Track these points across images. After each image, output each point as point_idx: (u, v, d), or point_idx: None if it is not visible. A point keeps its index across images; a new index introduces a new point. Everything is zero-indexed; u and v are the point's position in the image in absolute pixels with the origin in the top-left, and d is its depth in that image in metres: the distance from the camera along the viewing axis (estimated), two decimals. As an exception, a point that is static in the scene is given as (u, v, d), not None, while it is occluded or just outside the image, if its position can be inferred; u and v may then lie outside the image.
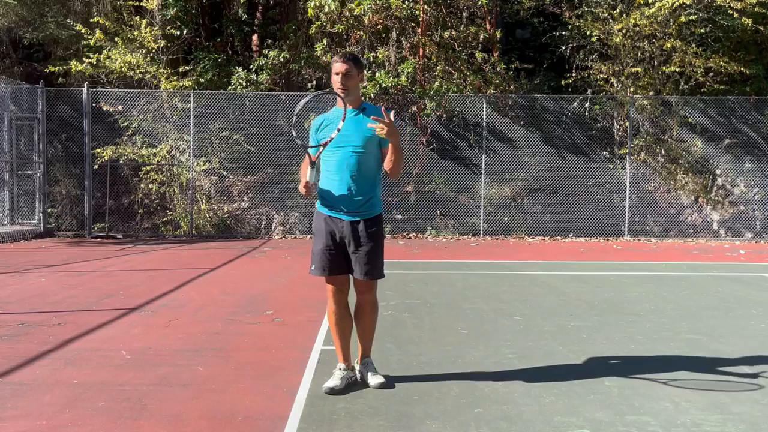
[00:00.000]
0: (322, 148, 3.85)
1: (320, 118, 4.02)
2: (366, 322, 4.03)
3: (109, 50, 14.24)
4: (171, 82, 14.24)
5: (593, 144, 14.64)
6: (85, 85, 13.82)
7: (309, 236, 13.89)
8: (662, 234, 14.30)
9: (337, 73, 3.86)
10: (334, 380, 3.86)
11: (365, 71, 13.78)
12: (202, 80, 14.94)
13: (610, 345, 5.01)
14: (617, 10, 14.51)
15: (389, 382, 3.94)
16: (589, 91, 14.88)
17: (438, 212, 14.33)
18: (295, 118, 3.89)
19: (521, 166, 14.53)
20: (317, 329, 5.41)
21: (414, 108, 14.27)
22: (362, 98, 3.99)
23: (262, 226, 14.19)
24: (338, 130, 3.75)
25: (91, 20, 14.39)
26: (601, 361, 4.56)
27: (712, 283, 8.19)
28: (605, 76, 14.68)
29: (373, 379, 3.94)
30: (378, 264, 3.93)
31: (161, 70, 14.31)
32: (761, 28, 14.28)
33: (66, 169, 14.23)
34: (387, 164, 3.88)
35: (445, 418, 3.44)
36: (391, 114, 3.77)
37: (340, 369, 3.94)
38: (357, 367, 4.05)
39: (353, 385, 3.92)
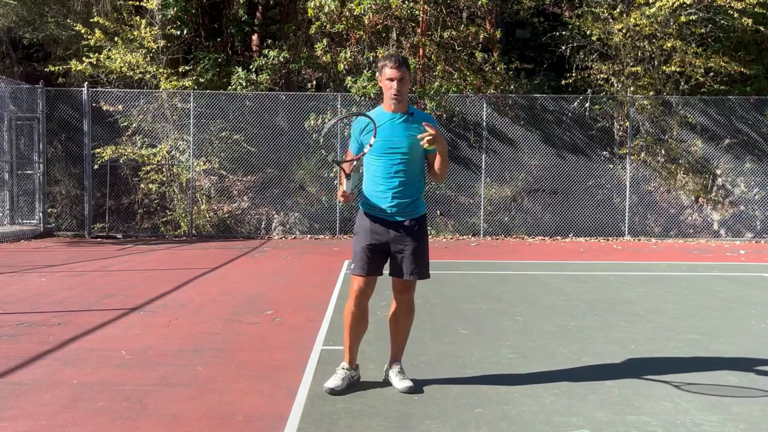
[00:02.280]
0: (355, 162, 3.79)
1: (363, 120, 3.89)
2: (401, 324, 3.98)
3: (109, 50, 14.24)
4: (171, 82, 14.24)
5: (593, 144, 14.64)
6: (85, 85, 13.82)
7: (309, 236, 13.89)
8: (662, 234, 14.30)
9: (392, 79, 3.77)
10: (336, 380, 3.84)
11: (365, 71, 13.93)
12: (202, 80, 14.95)
13: (610, 345, 5.01)
14: (617, 9, 14.50)
15: (417, 387, 3.87)
16: (589, 91, 14.88)
17: (438, 212, 14.33)
18: (321, 140, 3.84)
19: (521, 166, 14.53)
20: (317, 329, 5.40)
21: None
22: (408, 102, 3.94)
23: (262, 226, 14.19)
24: (370, 146, 3.72)
25: (91, 20, 14.39)
26: (601, 361, 4.55)
27: (712, 283, 8.19)
28: (605, 76, 14.68)
29: (401, 383, 3.86)
30: (424, 264, 3.89)
31: (161, 70, 14.31)
32: (761, 28, 14.29)
33: (66, 169, 14.23)
34: (435, 171, 3.86)
35: (445, 418, 3.44)
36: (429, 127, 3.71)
37: (343, 368, 3.92)
38: (387, 371, 4.00)
39: (354, 385, 3.91)
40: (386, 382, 3.98)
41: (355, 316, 3.91)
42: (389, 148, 3.81)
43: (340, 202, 3.85)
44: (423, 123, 3.74)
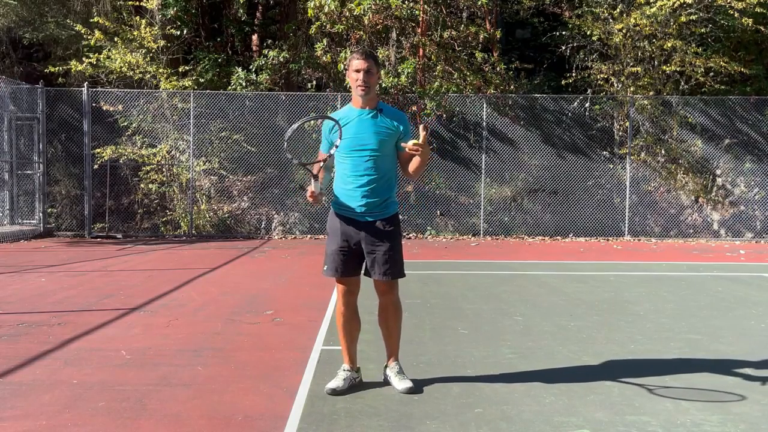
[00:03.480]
0: (322, 163, 3.75)
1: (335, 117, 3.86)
2: (390, 324, 3.96)
3: (109, 50, 14.24)
4: (171, 82, 14.25)
5: (593, 144, 14.63)
6: (85, 85, 13.82)
7: (309, 236, 13.89)
8: (662, 234, 14.30)
9: (358, 70, 3.71)
10: (337, 381, 3.83)
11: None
12: (202, 80, 14.95)
13: (610, 345, 5.01)
14: (617, 9, 14.50)
15: (417, 387, 3.86)
16: (589, 91, 14.88)
17: (438, 212, 14.33)
18: (286, 144, 3.76)
19: (521, 166, 14.53)
20: (317, 329, 5.40)
21: (414, 108, 14.26)
22: (378, 97, 3.91)
23: (262, 226, 14.19)
24: (336, 146, 3.68)
25: (91, 20, 14.39)
26: (601, 361, 4.55)
27: (712, 283, 8.19)
28: (605, 76, 14.68)
29: (400, 384, 3.84)
30: (398, 263, 3.86)
31: (161, 70, 14.32)
32: (762, 28, 14.28)
33: (66, 169, 14.23)
34: (409, 171, 3.83)
35: (445, 418, 3.44)
36: (424, 131, 3.66)
37: (344, 370, 3.90)
38: (386, 371, 3.99)
39: (356, 386, 3.90)
40: (386, 382, 3.98)
41: (346, 317, 3.89)
42: (358, 145, 3.76)
43: (309, 202, 3.78)
44: (409, 145, 3.67)
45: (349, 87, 14.23)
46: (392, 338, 3.99)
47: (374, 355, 4.59)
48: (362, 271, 3.93)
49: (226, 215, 14.26)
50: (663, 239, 14.12)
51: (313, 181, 3.72)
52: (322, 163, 3.75)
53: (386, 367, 4.01)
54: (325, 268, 3.90)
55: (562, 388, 3.93)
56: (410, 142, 3.68)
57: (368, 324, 5.43)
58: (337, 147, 3.69)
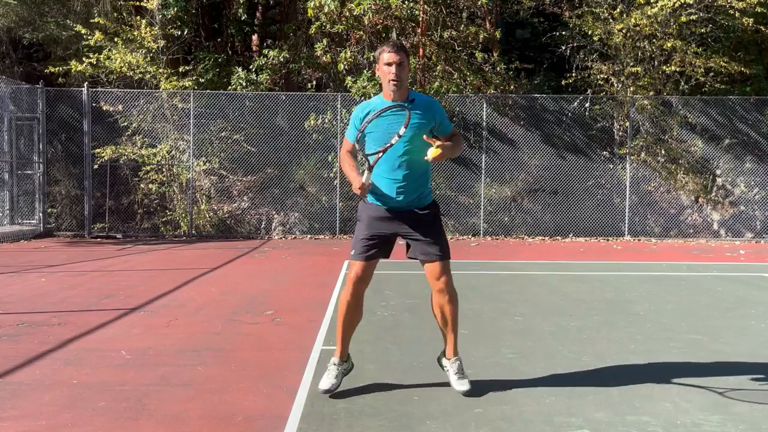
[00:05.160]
0: (381, 154, 3.65)
1: (364, 108, 3.79)
2: (446, 312, 3.81)
3: (109, 50, 14.24)
4: (171, 82, 14.24)
5: (593, 144, 14.63)
6: (85, 85, 13.82)
7: (309, 236, 13.89)
8: (662, 234, 14.30)
9: (390, 63, 3.64)
10: (330, 379, 3.77)
11: (365, 71, 13.92)
12: (202, 80, 14.95)
13: (610, 345, 5.00)
14: (617, 10, 14.51)
15: (475, 389, 3.79)
16: (589, 91, 14.88)
17: (438, 212, 14.32)
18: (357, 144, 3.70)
19: (521, 166, 14.53)
20: (317, 329, 5.40)
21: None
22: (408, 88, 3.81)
23: (262, 226, 14.19)
24: (399, 136, 3.58)
25: (91, 20, 14.39)
26: (601, 361, 4.55)
27: (712, 283, 8.19)
28: (605, 76, 14.67)
29: (458, 385, 3.78)
30: (446, 243, 3.80)
31: (161, 70, 14.31)
32: (762, 27, 14.29)
33: (66, 169, 14.23)
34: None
35: (445, 418, 3.43)
36: (434, 142, 3.59)
37: (334, 364, 3.83)
38: (443, 363, 3.93)
39: (347, 374, 3.87)
40: (386, 382, 3.97)
41: (351, 306, 3.79)
42: (390, 139, 3.66)
43: (357, 194, 3.68)
44: (425, 137, 3.64)
45: (349, 87, 14.14)
46: (450, 330, 3.86)
47: (374, 356, 4.59)
48: (387, 255, 3.86)
49: (226, 215, 14.26)
50: (663, 239, 14.12)
51: (366, 171, 3.63)
52: (380, 154, 3.66)
53: (443, 358, 3.94)
54: (352, 252, 3.81)
55: (562, 388, 3.92)
56: (429, 152, 3.61)
57: (368, 324, 5.44)
58: (400, 136, 3.59)
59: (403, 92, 3.73)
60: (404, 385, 3.97)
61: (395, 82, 3.66)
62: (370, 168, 3.64)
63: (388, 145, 3.62)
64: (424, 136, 3.67)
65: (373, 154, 3.68)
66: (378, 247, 3.80)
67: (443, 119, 3.85)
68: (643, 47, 14.38)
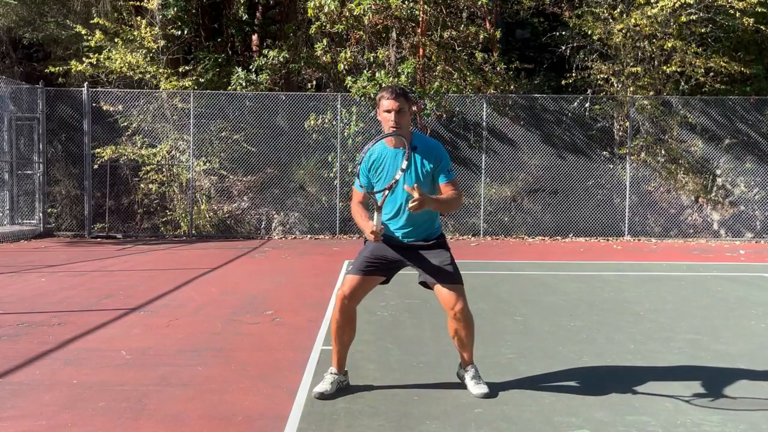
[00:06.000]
0: (387, 193, 3.63)
1: (370, 156, 3.78)
2: (462, 336, 3.83)
3: (109, 50, 14.24)
4: (171, 82, 14.25)
5: (593, 144, 14.63)
6: (85, 85, 13.82)
7: (309, 236, 13.90)
8: (662, 234, 14.30)
9: (389, 111, 3.64)
10: (325, 385, 3.78)
11: (365, 71, 13.92)
12: (202, 80, 14.95)
13: (610, 345, 5.00)
14: (617, 10, 14.51)
15: (493, 392, 3.80)
16: (589, 91, 14.88)
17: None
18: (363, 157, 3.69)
19: (521, 166, 14.53)
20: (317, 329, 5.40)
21: (414, 108, 14.24)
22: (411, 129, 3.79)
23: (262, 226, 14.19)
24: (402, 171, 3.55)
25: (91, 21, 14.39)
26: (601, 361, 4.55)
27: (712, 283, 8.19)
28: (605, 76, 14.68)
29: (476, 389, 3.79)
30: (456, 268, 3.79)
31: (161, 70, 14.32)
32: (762, 27, 14.28)
33: (66, 169, 14.23)
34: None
35: (445, 418, 3.44)
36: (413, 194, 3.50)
37: (331, 373, 3.84)
38: (460, 373, 3.96)
39: (344, 389, 3.86)
40: (386, 382, 3.97)
41: (339, 324, 3.76)
42: (395, 175, 3.65)
43: (370, 239, 3.65)
44: (405, 187, 3.59)
45: (349, 87, 14.15)
46: (466, 348, 3.90)
47: (374, 356, 4.59)
48: (383, 281, 3.87)
49: (226, 215, 14.26)
50: (663, 239, 14.12)
51: (375, 214, 3.58)
52: (387, 193, 3.62)
53: (461, 368, 3.97)
54: (350, 268, 3.82)
55: (562, 388, 3.92)
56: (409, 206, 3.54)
57: (368, 324, 5.44)
58: (403, 170, 3.56)
59: (406, 137, 3.68)
60: (404, 385, 3.96)
61: (395, 129, 3.66)
62: (379, 209, 3.62)
63: (393, 181, 3.62)
64: (405, 186, 3.61)
65: (380, 191, 3.68)
66: (379, 267, 3.81)
67: (445, 166, 3.77)
68: (643, 47, 14.38)
